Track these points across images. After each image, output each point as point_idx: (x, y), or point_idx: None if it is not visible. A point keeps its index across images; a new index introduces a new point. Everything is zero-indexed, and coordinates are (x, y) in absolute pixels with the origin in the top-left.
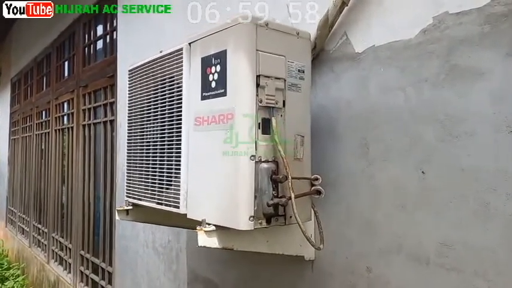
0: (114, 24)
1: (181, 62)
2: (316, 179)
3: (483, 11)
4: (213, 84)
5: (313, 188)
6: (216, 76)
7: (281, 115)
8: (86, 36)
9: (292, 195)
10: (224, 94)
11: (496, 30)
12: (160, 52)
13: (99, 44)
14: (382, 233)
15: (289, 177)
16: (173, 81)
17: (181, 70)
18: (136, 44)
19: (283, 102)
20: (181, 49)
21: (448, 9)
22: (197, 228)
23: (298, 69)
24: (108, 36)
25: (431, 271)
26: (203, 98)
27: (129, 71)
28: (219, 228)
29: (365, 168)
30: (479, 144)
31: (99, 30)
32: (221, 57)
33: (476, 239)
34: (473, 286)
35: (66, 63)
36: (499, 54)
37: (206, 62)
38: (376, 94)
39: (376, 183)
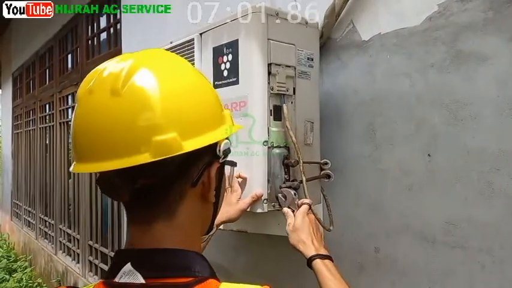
0: (118, 16)
1: (193, 51)
2: (326, 164)
3: None
4: (225, 73)
5: (322, 172)
6: (228, 65)
7: (291, 102)
8: (89, 28)
9: (304, 179)
10: (236, 82)
11: (500, 16)
12: (171, 43)
13: (103, 36)
14: (390, 214)
15: (301, 161)
16: None
17: (193, 60)
18: (140, 35)
19: (294, 89)
20: (192, 39)
21: None
22: None
23: (308, 57)
24: (111, 29)
25: (437, 249)
26: (215, 86)
27: None
28: None
29: (372, 152)
30: (484, 126)
31: (103, 22)
32: (233, 46)
33: (481, 217)
34: (478, 261)
35: (70, 56)
36: (502, 39)
37: (218, 52)
38: (382, 80)
39: (383, 167)
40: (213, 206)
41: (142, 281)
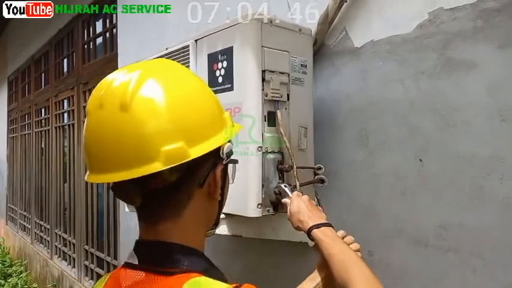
0: (114, 21)
1: (188, 58)
2: (320, 168)
3: (476, 6)
4: (220, 80)
5: (316, 176)
6: (222, 72)
7: (285, 108)
8: (85, 33)
9: (298, 184)
10: (231, 89)
11: (489, 24)
12: (166, 49)
13: (99, 40)
14: (383, 218)
15: (294, 166)
16: None
17: (188, 66)
18: (137, 40)
19: (288, 95)
20: (187, 46)
21: (443, 5)
22: None
23: (301, 64)
24: (107, 33)
25: (430, 252)
26: None
27: None
28: (228, 217)
29: (365, 157)
30: (474, 132)
31: (99, 27)
32: (227, 53)
33: (472, 221)
34: (469, 265)
35: (65, 60)
36: (491, 47)
37: (213, 58)
38: (375, 87)
39: (376, 172)
40: (218, 203)
41: (137, 263)
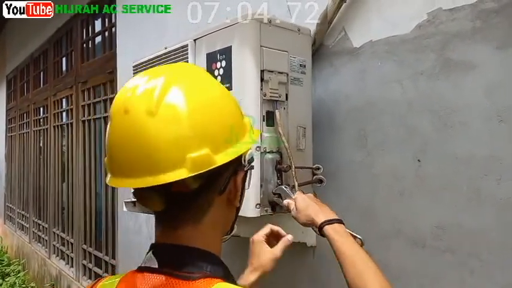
0: (113, 20)
1: (187, 57)
2: (318, 169)
3: (475, 7)
4: (219, 79)
5: (315, 177)
6: (221, 71)
7: (284, 108)
8: (84, 31)
9: (296, 184)
10: (230, 88)
11: (487, 25)
12: (165, 48)
13: (98, 39)
14: (381, 219)
15: (293, 166)
16: None
17: None
18: (136, 39)
19: (286, 95)
20: (186, 45)
21: (442, 6)
22: None
23: (300, 64)
24: (106, 32)
25: (427, 253)
26: None
27: (134, 66)
28: None
29: (364, 158)
30: (472, 133)
31: (98, 25)
32: (226, 53)
33: (470, 222)
34: (467, 266)
35: (64, 59)
36: (490, 47)
37: (211, 58)
38: (373, 87)
39: (375, 172)
40: (236, 210)
41: (156, 266)
